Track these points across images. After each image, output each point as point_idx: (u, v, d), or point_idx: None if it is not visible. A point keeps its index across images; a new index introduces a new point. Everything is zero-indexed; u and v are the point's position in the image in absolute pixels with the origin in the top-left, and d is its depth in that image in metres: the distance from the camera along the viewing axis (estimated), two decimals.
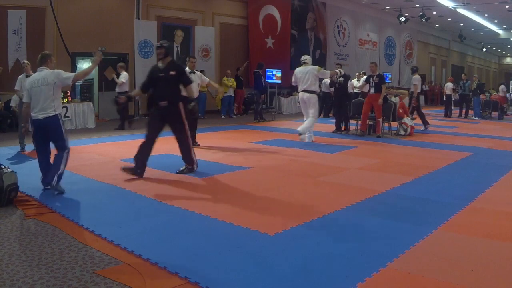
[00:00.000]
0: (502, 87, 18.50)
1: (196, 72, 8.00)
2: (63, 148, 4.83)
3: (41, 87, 4.72)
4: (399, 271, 2.92)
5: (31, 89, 4.76)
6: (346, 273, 2.87)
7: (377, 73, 9.90)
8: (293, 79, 9.15)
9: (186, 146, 5.80)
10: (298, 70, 9.00)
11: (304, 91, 8.81)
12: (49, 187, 4.74)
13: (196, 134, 8.09)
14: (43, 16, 11.52)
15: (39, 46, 10.66)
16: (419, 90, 12.40)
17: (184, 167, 5.86)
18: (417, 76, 12.43)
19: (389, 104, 10.16)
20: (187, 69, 7.87)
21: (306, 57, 9.12)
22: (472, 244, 3.47)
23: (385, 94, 9.87)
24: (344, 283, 2.74)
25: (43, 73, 4.82)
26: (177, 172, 5.80)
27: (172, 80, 5.61)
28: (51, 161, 4.85)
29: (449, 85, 16.60)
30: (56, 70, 4.90)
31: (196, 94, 7.43)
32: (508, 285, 2.80)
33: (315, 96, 8.92)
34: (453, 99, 16.76)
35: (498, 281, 2.82)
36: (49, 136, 4.83)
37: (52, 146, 4.93)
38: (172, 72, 5.62)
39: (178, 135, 5.75)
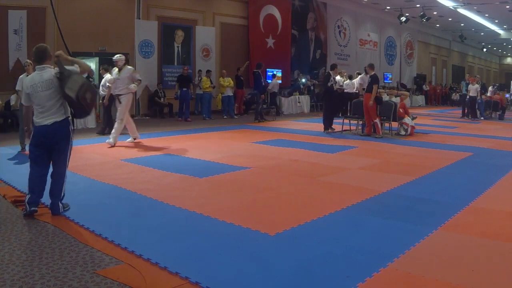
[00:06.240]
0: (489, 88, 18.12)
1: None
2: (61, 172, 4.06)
3: (44, 93, 3.91)
4: (400, 271, 2.92)
5: (32, 93, 3.94)
6: (346, 273, 2.88)
7: (371, 74, 9.89)
8: None
9: None
10: None
11: None
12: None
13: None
14: (44, 16, 11.51)
15: None
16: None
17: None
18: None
19: (390, 104, 10.15)
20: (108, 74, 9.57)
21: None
22: (472, 244, 3.47)
23: (377, 95, 9.75)
24: (344, 283, 2.75)
25: (47, 75, 3.94)
26: None
27: None
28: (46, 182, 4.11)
29: (474, 86, 15.68)
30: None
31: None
32: (508, 285, 2.80)
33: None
34: (478, 101, 15.88)
35: (498, 281, 2.82)
36: (53, 148, 3.98)
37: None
38: None
39: None
